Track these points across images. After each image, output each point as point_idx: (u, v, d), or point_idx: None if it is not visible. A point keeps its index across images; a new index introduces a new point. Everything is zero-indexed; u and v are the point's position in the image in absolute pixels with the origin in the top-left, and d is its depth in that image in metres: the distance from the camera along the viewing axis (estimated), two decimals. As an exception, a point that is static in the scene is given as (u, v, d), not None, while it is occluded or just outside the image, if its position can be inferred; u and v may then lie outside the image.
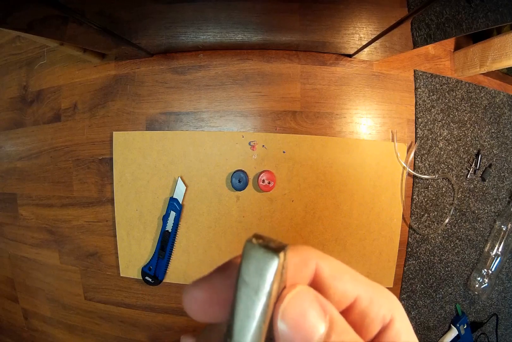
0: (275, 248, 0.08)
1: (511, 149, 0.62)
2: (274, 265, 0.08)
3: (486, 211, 0.61)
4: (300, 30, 0.43)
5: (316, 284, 0.11)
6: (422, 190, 0.56)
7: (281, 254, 0.08)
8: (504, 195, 0.62)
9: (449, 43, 0.58)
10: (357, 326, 0.11)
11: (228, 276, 0.11)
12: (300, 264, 0.11)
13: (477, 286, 0.61)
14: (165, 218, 0.54)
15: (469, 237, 0.60)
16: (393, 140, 0.54)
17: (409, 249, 0.56)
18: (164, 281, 0.56)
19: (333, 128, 0.53)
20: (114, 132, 0.56)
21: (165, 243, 0.54)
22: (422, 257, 0.57)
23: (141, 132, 0.55)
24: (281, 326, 0.09)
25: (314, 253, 0.12)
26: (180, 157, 0.54)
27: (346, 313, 0.11)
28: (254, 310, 0.08)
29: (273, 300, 0.09)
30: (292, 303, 0.09)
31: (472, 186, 0.59)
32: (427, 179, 0.56)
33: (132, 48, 0.49)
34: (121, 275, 0.59)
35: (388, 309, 0.12)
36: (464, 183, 0.58)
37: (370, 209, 0.54)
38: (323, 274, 0.11)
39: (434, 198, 0.57)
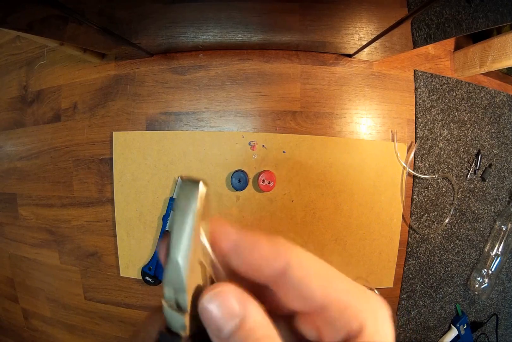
0: (197, 180, 0.11)
1: (511, 149, 0.62)
2: (196, 190, 0.11)
3: (486, 211, 0.61)
4: (300, 30, 0.43)
5: (284, 280, 0.11)
6: (422, 190, 0.56)
7: (200, 182, 0.11)
8: (504, 195, 0.62)
9: (449, 43, 0.58)
10: (325, 325, 0.11)
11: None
12: (269, 255, 0.11)
13: (477, 286, 0.61)
14: (165, 218, 0.54)
15: (469, 237, 0.60)
16: (393, 140, 0.54)
17: (409, 249, 0.56)
18: (164, 281, 0.56)
19: (333, 128, 0.53)
20: (114, 132, 0.56)
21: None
22: (422, 257, 0.57)
23: (141, 132, 0.55)
24: (201, 315, 0.10)
25: (288, 248, 0.11)
26: (180, 157, 0.54)
27: (316, 312, 0.11)
28: (184, 226, 0.10)
29: (198, 219, 0.11)
30: (208, 299, 0.10)
31: (472, 186, 0.59)
32: (427, 179, 0.56)
33: (132, 48, 0.49)
34: (121, 275, 0.59)
35: (358, 319, 0.11)
36: (464, 183, 0.58)
37: (370, 209, 0.54)
38: (291, 274, 0.11)
39: (434, 198, 0.57)
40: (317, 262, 0.12)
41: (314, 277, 0.11)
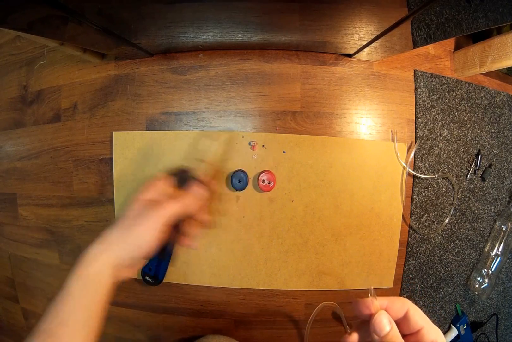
0: None
1: (511, 149, 0.62)
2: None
3: (486, 211, 0.61)
4: (300, 30, 0.43)
5: (405, 316, 0.24)
6: (422, 190, 0.56)
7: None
8: (504, 195, 0.62)
9: (449, 43, 0.58)
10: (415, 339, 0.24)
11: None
12: (400, 307, 0.24)
13: (477, 286, 0.61)
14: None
15: (469, 237, 0.60)
16: (393, 140, 0.54)
17: (409, 249, 0.56)
18: (164, 281, 0.56)
19: (333, 128, 0.53)
20: (114, 132, 0.56)
21: (165, 243, 0.54)
22: (422, 257, 0.57)
23: (141, 132, 0.55)
24: (375, 322, 0.23)
25: (408, 302, 0.25)
26: (180, 157, 0.54)
27: (415, 332, 0.24)
28: None
29: None
30: (378, 316, 0.24)
31: (472, 186, 0.59)
32: (427, 179, 0.56)
33: (132, 48, 0.49)
34: (121, 275, 0.59)
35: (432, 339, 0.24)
36: (464, 183, 0.58)
37: (370, 209, 0.54)
38: (409, 313, 0.24)
39: (434, 198, 0.57)
40: (419, 309, 0.25)
41: (417, 315, 0.24)
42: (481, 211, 0.61)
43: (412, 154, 0.54)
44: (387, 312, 0.24)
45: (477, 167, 0.58)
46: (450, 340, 0.61)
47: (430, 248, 0.58)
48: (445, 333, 0.62)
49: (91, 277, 0.33)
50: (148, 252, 0.36)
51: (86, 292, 0.33)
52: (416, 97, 0.55)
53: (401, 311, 0.24)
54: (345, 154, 0.53)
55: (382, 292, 0.57)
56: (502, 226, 0.61)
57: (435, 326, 0.24)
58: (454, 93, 0.57)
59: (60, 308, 0.31)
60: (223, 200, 0.54)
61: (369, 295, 0.24)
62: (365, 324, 0.25)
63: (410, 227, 0.56)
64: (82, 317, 0.32)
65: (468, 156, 0.58)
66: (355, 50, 0.49)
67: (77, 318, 0.32)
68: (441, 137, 0.56)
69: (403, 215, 0.55)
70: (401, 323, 0.24)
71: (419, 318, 0.24)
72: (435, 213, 0.57)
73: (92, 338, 0.33)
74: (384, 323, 0.23)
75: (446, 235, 0.59)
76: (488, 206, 0.61)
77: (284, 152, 0.53)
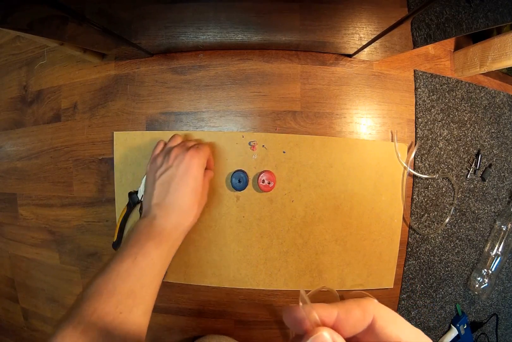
0: None
1: (511, 149, 0.62)
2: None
3: (486, 211, 0.61)
4: (300, 30, 0.43)
5: (370, 328, 0.16)
6: (422, 190, 0.56)
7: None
8: (504, 195, 0.62)
9: (449, 43, 0.58)
10: None
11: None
12: (359, 319, 0.16)
13: (477, 286, 0.61)
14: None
15: (469, 237, 0.60)
16: (393, 140, 0.54)
17: (409, 249, 0.56)
18: (164, 281, 0.56)
19: (333, 128, 0.53)
20: (114, 132, 0.56)
21: None
22: (422, 257, 0.57)
23: (141, 132, 0.55)
24: None
25: (372, 307, 0.16)
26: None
27: None
28: None
29: None
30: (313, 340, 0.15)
31: (472, 186, 0.59)
32: (427, 179, 0.56)
33: (132, 48, 0.49)
34: (121, 275, 0.59)
35: None
36: (464, 183, 0.59)
37: (371, 209, 0.54)
38: (376, 325, 0.16)
39: (434, 198, 0.57)
40: (391, 313, 0.17)
41: (390, 326, 0.16)
42: (481, 211, 0.61)
43: (413, 155, 0.54)
44: (331, 330, 0.15)
45: (477, 167, 0.58)
46: (450, 340, 0.61)
47: (430, 248, 0.58)
48: (445, 333, 0.62)
49: (170, 254, 0.42)
50: (205, 198, 0.48)
51: (165, 263, 0.40)
52: (416, 97, 0.55)
53: (361, 322, 0.16)
54: (345, 154, 0.53)
55: (382, 292, 0.57)
56: (502, 226, 0.61)
57: (419, 332, 0.17)
58: (454, 93, 0.57)
59: (143, 275, 0.36)
60: (223, 200, 0.54)
61: (300, 302, 0.16)
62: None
63: (410, 227, 0.56)
64: (159, 282, 0.39)
65: (468, 156, 0.58)
66: (355, 50, 0.49)
67: (157, 283, 0.39)
68: (441, 137, 0.56)
69: (403, 215, 0.55)
70: (366, 337, 0.17)
71: (393, 328, 0.16)
72: (435, 213, 0.57)
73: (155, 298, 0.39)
74: None
75: (446, 235, 0.59)
76: (488, 206, 0.61)
77: (284, 152, 0.53)
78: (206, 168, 0.47)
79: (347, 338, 0.16)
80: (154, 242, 0.39)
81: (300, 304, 0.16)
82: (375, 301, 0.17)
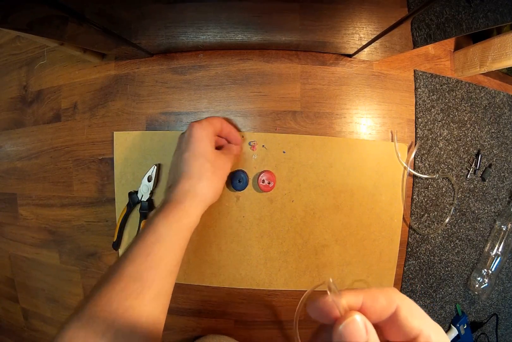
0: None
1: (511, 149, 0.62)
2: None
3: (486, 211, 0.61)
4: (300, 30, 0.43)
5: (393, 318, 0.16)
6: (422, 190, 0.56)
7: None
8: (504, 195, 0.62)
9: (449, 43, 0.58)
10: None
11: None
12: (384, 306, 0.16)
13: (477, 286, 0.61)
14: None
15: (469, 237, 0.60)
16: (393, 140, 0.54)
17: (409, 249, 0.56)
18: (164, 281, 0.56)
19: (333, 128, 0.53)
20: (115, 132, 0.56)
21: None
22: (422, 257, 0.57)
23: (141, 132, 0.55)
24: (344, 330, 0.15)
25: (397, 296, 0.17)
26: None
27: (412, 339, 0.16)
28: None
29: None
30: (347, 323, 0.15)
31: (472, 186, 0.59)
32: (427, 179, 0.56)
33: (132, 48, 0.49)
34: (121, 275, 0.59)
35: None
36: (464, 183, 0.59)
37: (371, 209, 0.54)
38: (400, 313, 0.16)
39: (434, 198, 0.57)
40: (414, 304, 0.17)
41: (414, 317, 0.16)
42: (481, 211, 0.61)
43: (413, 155, 0.54)
44: (362, 314, 0.15)
45: (477, 167, 0.58)
46: (450, 340, 0.61)
47: (430, 248, 0.58)
48: (445, 333, 0.62)
49: (183, 226, 0.36)
50: (224, 170, 0.44)
51: (177, 239, 0.35)
52: (416, 97, 0.55)
53: (386, 310, 0.16)
54: (345, 154, 0.53)
55: (382, 292, 0.57)
56: (502, 226, 0.61)
57: (439, 327, 0.17)
58: (454, 93, 0.57)
59: (150, 253, 0.32)
60: (223, 200, 0.54)
61: (328, 292, 0.16)
62: (325, 331, 0.18)
63: (410, 227, 0.56)
64: (172, 262, 0.34)
65: (468, 156, 0.58)
66: (355, 50, 0.49)
67: (167, 263, 0.33)
68: (441, 137, 0.56)
69: (403, 215, 0.55)
70: (387, 326, 0.17)
71: (416, 320, 0.16)
72: (435, 213, 0.57)
73: (174, 282, 0.35)
74: (357, 331, 0.15)
75: (446, 235, 0.59)
76: (488, 206, 0.61)
77: (284, 152, 0.53)
78: (230, 143, 0.48)
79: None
80: (161, 214, 0.35)
81: (328, 293, 0.16)
82: (398, 291, 0.17)
